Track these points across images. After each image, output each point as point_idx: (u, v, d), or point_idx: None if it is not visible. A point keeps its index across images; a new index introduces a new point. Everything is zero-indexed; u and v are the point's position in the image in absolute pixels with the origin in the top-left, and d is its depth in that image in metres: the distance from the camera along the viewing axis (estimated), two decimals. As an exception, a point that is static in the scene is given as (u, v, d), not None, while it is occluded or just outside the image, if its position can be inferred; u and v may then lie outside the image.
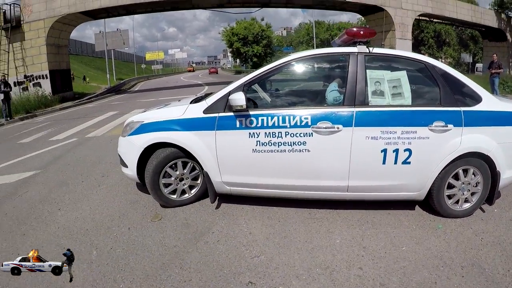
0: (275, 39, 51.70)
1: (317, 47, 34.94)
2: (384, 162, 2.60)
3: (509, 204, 3.08)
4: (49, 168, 4.84)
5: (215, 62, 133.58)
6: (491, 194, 2.77)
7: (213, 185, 2.93)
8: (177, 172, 3.07)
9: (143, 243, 2.60)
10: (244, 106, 2.63)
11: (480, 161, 2.68)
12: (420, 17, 23.16)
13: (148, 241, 2.62)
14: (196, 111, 2.90)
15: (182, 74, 64.53)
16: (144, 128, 3.05)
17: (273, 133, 2.67)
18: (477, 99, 2.71)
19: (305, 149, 2.64)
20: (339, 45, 3.09)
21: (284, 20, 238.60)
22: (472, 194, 2.78)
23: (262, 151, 2.71)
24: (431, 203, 2.83)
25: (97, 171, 4.53)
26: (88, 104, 15.94)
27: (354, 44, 2.82)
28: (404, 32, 21.11)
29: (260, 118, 2.70)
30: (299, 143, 2.64)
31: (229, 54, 62.11)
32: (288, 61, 2.89)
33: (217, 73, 55.21)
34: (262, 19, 48.56)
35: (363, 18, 45.16)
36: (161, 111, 3.26)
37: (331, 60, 3.16)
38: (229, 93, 2.76)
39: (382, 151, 2.58)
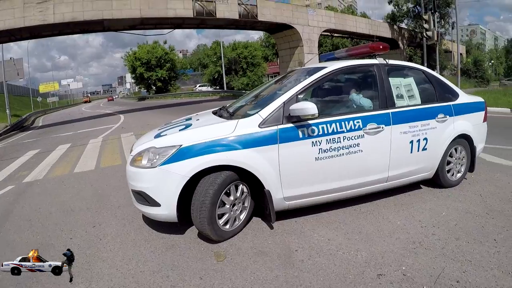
0: (178, 62, 49.79)
1: (225, 66, 35.65)
2: (411, 151, 3.16)
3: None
4: (3, 229, 3.41)
5: (111, 91, 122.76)
6: (472, 163, 3.71)
7: (273, 203, 2.70)
8: (231, 198, 2.69)
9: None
10: (317, 115, 2.63)
11: (464, 140, 3.57)
12: (324, 33, 25.35)
13: (244, 284, 2.18)
14: (250, 125, 2.68)
15: (80, 105, 58.04)
16: (187, 152, 2.55)
17: (333, 139, 2.80)
18: (455, 95, 3.60)
19: (359, 150, 2.90)
20: (341, 58, 3.70)
21: (179, 42, 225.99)
22: (461, 166, 3.65)
23: (324, 157, 2.79)
24: (435, 179, 3.54)
25: (79, 222, 3.39)
26: (-10, 146, 11.80)
27: (370, 57, 3.30)
28: (312, 47, 22.96)
29: (320, 126, 2.77)
30: (354, 145, 2.88)
31: (131, 80, 56.82)
32: (331, 71, 3.06)
33: (113, 100, 64.02)
34: (165, 42, 46.19)
35: (262, 36, 47.26)
36: (199, 131, 2.76)
37: (360, 70, 3.38)
38: (284, 104, 2.75)
39: (410, 142, 3.14)
